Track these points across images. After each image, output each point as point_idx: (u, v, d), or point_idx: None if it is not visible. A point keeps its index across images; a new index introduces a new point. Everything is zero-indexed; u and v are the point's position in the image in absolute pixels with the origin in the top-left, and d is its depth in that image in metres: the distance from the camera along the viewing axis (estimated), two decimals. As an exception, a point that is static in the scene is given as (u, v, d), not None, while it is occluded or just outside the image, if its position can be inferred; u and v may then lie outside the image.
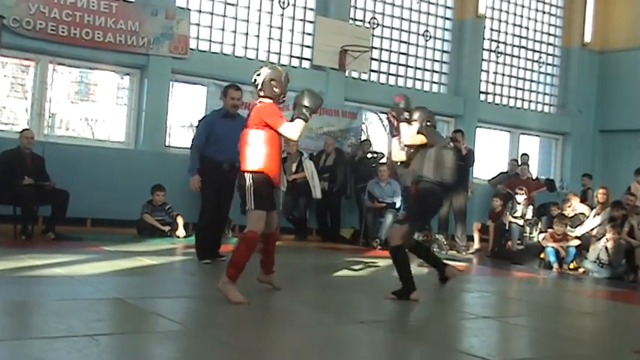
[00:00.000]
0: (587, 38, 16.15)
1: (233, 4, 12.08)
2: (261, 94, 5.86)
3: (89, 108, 11.16)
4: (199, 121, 8.27)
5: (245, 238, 5.50)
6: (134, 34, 10.73)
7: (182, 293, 6.02)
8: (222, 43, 11.99)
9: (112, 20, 10.52)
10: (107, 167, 10.35)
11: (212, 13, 11.88)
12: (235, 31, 12.12)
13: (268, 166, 5.55)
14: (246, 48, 12.21)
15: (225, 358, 3.91)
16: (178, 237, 10.07)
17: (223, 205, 7.78)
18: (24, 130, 9.43)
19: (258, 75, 5.91)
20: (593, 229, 10.79)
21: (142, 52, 10.86)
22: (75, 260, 7.03)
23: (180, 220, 10.22)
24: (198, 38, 11.71)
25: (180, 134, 11.73)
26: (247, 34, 12.24)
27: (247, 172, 5.53)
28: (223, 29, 12.00)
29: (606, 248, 9.96)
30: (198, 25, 11.72)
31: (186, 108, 11.68)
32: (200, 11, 11.75)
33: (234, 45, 12.11)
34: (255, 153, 5.55)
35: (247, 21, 12.24)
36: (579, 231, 10.93)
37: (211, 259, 7.60)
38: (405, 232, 6.20)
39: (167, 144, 11.36)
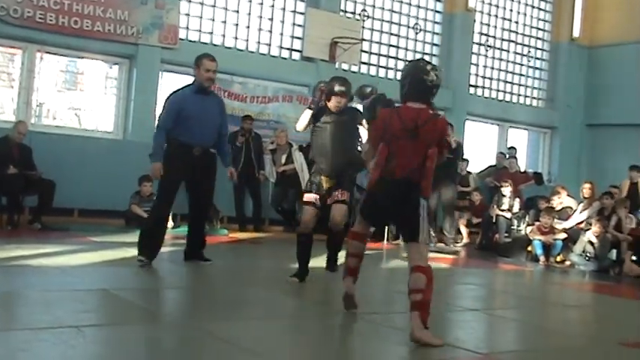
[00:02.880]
0: (576, 33, 16.20)
1: (223, -5, 12.04)
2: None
3: (77, 97, 11.10)
4: (167, 98, 6.90)
5: (431, 275, 4.47)
6: (123, 24, 10.66)
7: (169, 284, 6.01)
8: (212, 33, 11.93)
9: (101, 9, 10.45)
10: (95, 157, 10.30)
11: (202, 3, 11.81)
12: (225, 22, 12.07)
13: None
14: (236, 39, 12.16)
15: (211, 349, 3.90)
16: (166, 228, 10.00)
17: (202, 196, 6.81)
18: (19, 122, 9.36)
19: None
20: (580, 223, 10.84)
21: (131, 42, 10.79)
22: (61, 251, 7.00)
23: (168, 211, 10.17)
24: (187, 28, 11.65)
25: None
26: (237, 24, 12.19)
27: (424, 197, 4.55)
28: (213, 19, 11.94)
29: (591, 242, 10.01)
30: (188, 15, 11.66)
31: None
32: (190, 1, 11.68)
33: (224, 36, 12.06)
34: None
35: (237, 12, 12.18)
36: (566, 224, 10.98)
37: (149, 259, 6.51)
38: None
39: (155, 134, 11.31)
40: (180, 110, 6.50)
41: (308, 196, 6.13)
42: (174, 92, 6.85)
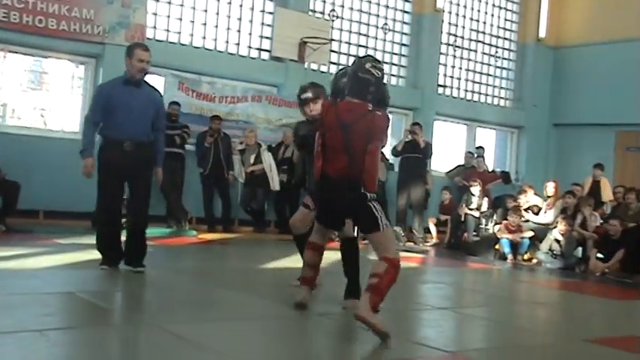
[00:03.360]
0: (542, 34, 16.40)
1: (191, -6, 11.96)
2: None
3: (42, 97, 10.94)
4: (95, 89, 6.42)
5: (396, 264, 4.57)
6: (89, 23, 10.53)
7: (135, 286, 5.93)
8: (179, 33, 11.85)
9: (66, 8, 10.31)
10: (60, 158, 10.11)
11: (170, 3, 11.72)
12: (194, 21, 11.99)
13: None
14: (204, 38, 12.09)
15: (179, 352, 3.87)
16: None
17: (135, 196, 6.28)
18: None
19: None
20: (548, 223, 10.97)
21: (97, 41, 10.66)
22: (26, 253, 6.89)
23: (136, 212, 10.07)
24: (155, 27, 11.56)
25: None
26: (206, 24, 12.12)
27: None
28: (181, 19, 11.86)
29: (557, 240, 10.12)
30: (156, 14, 11.56)
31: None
32: (157, 0, 11.60)
33: (192, 35, 11.98)
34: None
35: (206, 11, 12.11)
36: (534, 219, 11.13)
37: (110, 264, 6.25)
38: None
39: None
40: (107, 102, 6.11)
41: (306, 198, 5.87)
42: (103, 84, 6.60)
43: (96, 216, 6.42)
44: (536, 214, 11.34)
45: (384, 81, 4.77)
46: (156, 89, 6.54)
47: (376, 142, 4.46)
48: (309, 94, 5.64)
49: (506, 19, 16.38)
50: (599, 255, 9.63)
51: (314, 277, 5.03)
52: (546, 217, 11.10)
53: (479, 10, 15.88)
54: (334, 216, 4.78)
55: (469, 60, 15.78)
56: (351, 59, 13.82)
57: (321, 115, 4.67)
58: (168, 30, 11.73)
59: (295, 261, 7.03)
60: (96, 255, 6.71)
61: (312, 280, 5.06)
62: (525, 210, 11.41)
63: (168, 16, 11.72)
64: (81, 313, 4.66)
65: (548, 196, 11.36)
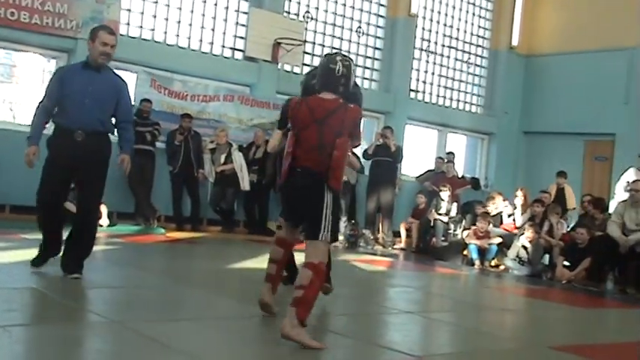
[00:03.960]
0: (515, 42, 16.57)
1: (166, -9, 11.88)
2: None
3: (12, 91, 10.79)
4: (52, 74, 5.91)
5: (320, 271, 4.33)
6: (62, 17, 10.41)
7: (101, 284, 5.87)
8: (153, 30, 11.77)
9: (40, 1, 10.19)
10: (29, 152, 10.01)
11: (144, -1, 11.66)
12: (168, 19, 11.92)
13: None
14: (178, 36, 12.02)
15: (141, 349, 3.84)
16: (102, 226, 9.79)
17: (86, 193, 5.71)
18: None
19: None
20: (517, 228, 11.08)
21: (70, 36, 10.55)
22: (-9, 248, 6.79)
23: (104, 209, 9.94)
24: (129, 24, 11.47)
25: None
26: (180, 22, 12.05)
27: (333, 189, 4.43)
28: (155, 16, 11.78)
29: (525, 247, 10.21)
30: (130, 10, 11.47)
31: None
32: (131, -4, 11.52)
33: (166, 33, 11.91)
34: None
35: (180, 9, 12.05)
36: (502, 225, 11.25)
37: (41, 265, 5.79)
38: None
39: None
40: (61, 87, 5.59)
41: None
42: (60, 67, 6.01)
43: (37, 208, 5.72)
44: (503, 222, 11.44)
45: (354, 78, 4.70)
46: (120, 77, 5.95)
47: (345, 136, 4.38)
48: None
49: (479, 26, 16.53)
50: (566, 263, 9.74)
51: (278, 274, 4.97)
52: (515, 224, 11.20)
53: (453, 17, 16.00)
54: (295, 211, 4.60)
55: (442, 65, 15.88)
56: (325, 61, 13.92)
57: (291, 113, 4.57)
58: (142, 27, 11.65)
59: (263, 262, 7.01)
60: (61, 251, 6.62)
61: (275, 278, 4.98)
62: (493, 216, 11.50)
63: (142, 13, 11.64)
64: (44, 309, 4.61)
65: (518, 205, 11.45)
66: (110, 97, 5.72)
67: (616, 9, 14.92)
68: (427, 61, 15.58)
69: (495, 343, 5.22)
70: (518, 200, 11.46)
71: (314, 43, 13.75)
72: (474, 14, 16.39)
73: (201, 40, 12.30)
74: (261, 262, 7.03)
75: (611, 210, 10.44)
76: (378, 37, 14.73)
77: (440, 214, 11.97)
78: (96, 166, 5.61)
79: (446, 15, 15.88)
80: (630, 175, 10.57)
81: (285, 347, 4.09)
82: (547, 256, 10.41)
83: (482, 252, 10.71)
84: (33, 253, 5.86)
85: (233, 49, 12.69)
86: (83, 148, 5.51)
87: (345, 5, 14.18)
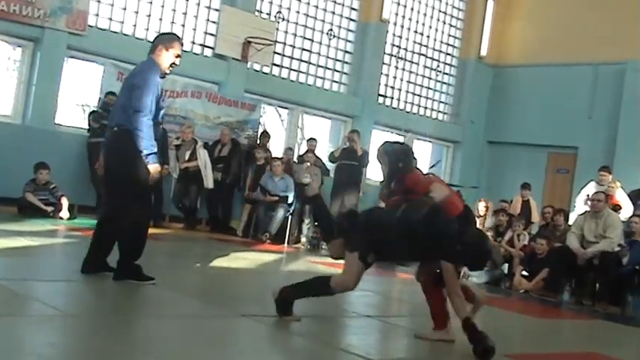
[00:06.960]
0: (483, 52, 16.77)
1: (137, -16, 11.77)
2: None
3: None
4: (134, 74, 5.65)
5: None
6: (29, 5, 10.26)
7: (61, 277, 5.79)
8: (122, 22, 11.65)
9: (6, -12, 10.03)
10: (-10, 141, 9.86)
11: (114, -9, 11.53)
12: (137, 12, 11.81)
13: None
14: (147, 30, 11.91)
15: (101, 345, 3.79)
16: (62, 218, 9.69)
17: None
18: None
19: None
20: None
21: (37, 24, 10.40)
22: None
23: (64, 202, 9.84)
24: (97, 15, 11.33)
25: (71, 113, 11.31)
26: (150, 15, 11.95)
27: None
28: (125, 8, 11.66)
29: (485, 254, 10.30)
30: (99, 1, 11.34)
31: (80, 86, 11.28)
32: (101, -13, 11.39)
33: (135, 26, 11.80)
34: None
35: (151, 3, 11.94)
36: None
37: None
38: None
39: (56, 122, 10.94)
40: (158, 99, 5.54)
41: None
42: (145, 71, 5.59)
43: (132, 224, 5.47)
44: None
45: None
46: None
47: None
48: None
49: (449, 35, 16.68)
50: (525, 272, 9.85)
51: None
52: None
53: (423, 24, 16.12)
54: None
55: (411, 72, 15.99)
56: (294, 62, 13.94)
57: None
58: (111, 19, 11.52)
59: (225, 260, 6.99)
60: (21, 242, 6.54)
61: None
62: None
63: (112, 5, 11.51)
64: (4, 302, 4.51)
65: (479, 216, 11.54)
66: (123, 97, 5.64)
67: (583, 25, 15.16)
68: (396, 67, 15.67)
69: (451, 349, 5.26)
70: (480, 212, 11.54)
71: (284, 43, 13.74)
72: (444, 23, 16.54)
73: (170, 35, 12.18)
74: (222, 261, 7.02)
75: (570, 222, 10.59)
76: (349, 41, 14.78)
77: (402, 220, 11.99)
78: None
79: (417, 22, 15.99)
80: (590, 189, 10.75)
81: (241, 348, 4.08)
82: (506, 265, 10.53)
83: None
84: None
85: (203, 45, 12.62)
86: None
87: (317, 7, 14.20)
